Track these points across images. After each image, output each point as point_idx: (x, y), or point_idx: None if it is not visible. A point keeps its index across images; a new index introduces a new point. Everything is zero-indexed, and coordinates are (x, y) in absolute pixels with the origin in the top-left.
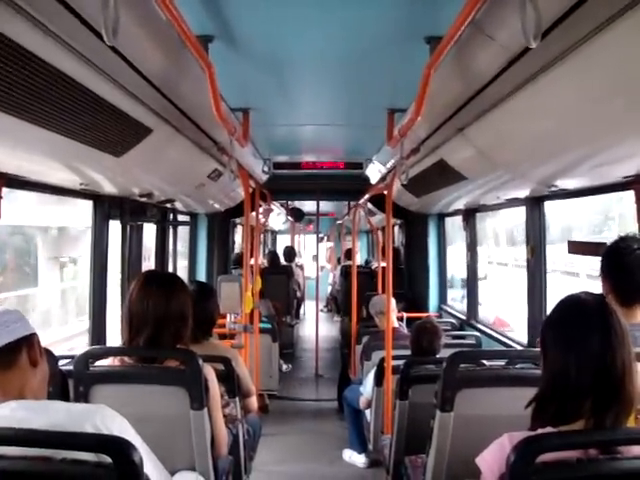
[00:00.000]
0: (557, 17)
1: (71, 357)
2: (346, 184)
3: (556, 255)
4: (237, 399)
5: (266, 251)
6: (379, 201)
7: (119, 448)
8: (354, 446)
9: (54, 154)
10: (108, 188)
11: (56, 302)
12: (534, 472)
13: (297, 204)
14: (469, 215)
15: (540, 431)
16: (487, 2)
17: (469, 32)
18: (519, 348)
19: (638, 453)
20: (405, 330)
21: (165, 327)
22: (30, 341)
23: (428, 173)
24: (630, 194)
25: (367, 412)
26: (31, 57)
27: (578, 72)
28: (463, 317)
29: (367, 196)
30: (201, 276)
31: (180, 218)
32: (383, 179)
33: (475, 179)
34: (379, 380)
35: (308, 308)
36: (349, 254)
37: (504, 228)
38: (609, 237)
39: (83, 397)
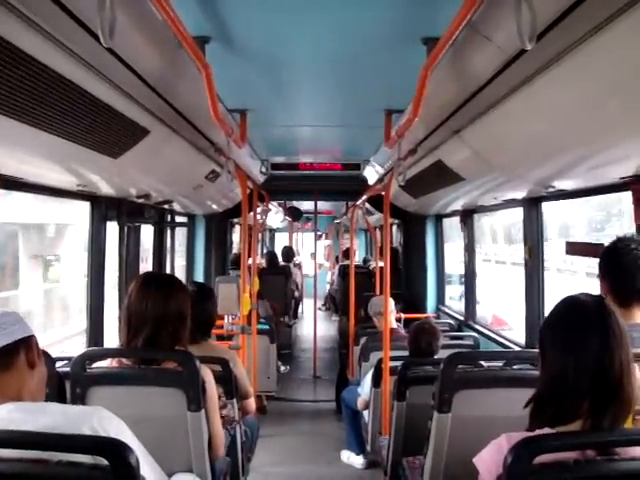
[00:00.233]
0: (553, 19)
1: (68, 359)
2: (344, 185)
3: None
4: (235, 400)
5: (264, 250)
6: (377, 202)
7: (115, 450)
8: (352, 447)
9: (51, 156)
10: (105, 189)
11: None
12: (531, 473)
13: (295, 203)
14: (467, 216)
15: (538, 432)
16: (484, 3)
17: (466, 33)
18: (517, 349)
19: (635, 454)
20: (403, 331)
21: (163, 327)
22: (28, 343)
23: (425, 174)
24: (629, 195)
25: (365, 413)
26: (28, 59)
27: (574, 74)
28: (461, 318)
29: (365, 197)
30: (199, 277)
31: (178, 219)
32: (381, 180)
33: (472, 180)
34: (377, 381)
35: (306, 307)
36: (347, 254)
37: (502, 225)
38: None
39: (80, 399)
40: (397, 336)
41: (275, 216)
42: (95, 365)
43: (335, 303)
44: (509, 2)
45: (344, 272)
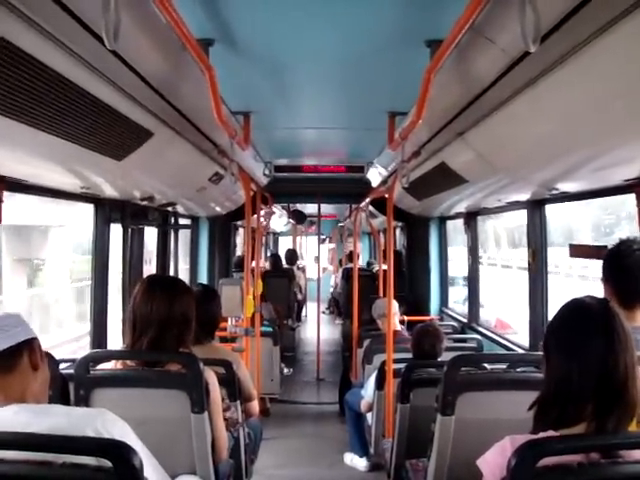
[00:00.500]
0: (557, 21)
1: (72, 360)
2: (347, 187)
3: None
4: (238, 403)
5: (268, 253)
6: (380, 204)
7: (119, 452)
8: (355, 450)
9: (55, 158)
10: (109, 192)
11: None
12: (535, 476)
13: (299, 206)
14: (470, 218)
15: (542, 434)
16: (488, 6)
17: (469, 36)
18: (520, 352)
19: (639, 457)
20: (406, 333)
21: (168, 329)
22: (31, 345)
23: (429, 176)
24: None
25: (368, 415)
26: (32, 61)
27: (578, 76)
28: (464, 320)
29: (368, 199)
30: (202, 279)
31: (181, 221)
32: (384, 182)
33: (476, 182)
34: (380, 383)
35: (310, 310)
36: (351, 257)
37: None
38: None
39: (84, 401)
40: (400, 338)
41: (279, 220)
42: (99, 367)
43: (339, 307)
44: (513, 4)
45: (348, 275)
